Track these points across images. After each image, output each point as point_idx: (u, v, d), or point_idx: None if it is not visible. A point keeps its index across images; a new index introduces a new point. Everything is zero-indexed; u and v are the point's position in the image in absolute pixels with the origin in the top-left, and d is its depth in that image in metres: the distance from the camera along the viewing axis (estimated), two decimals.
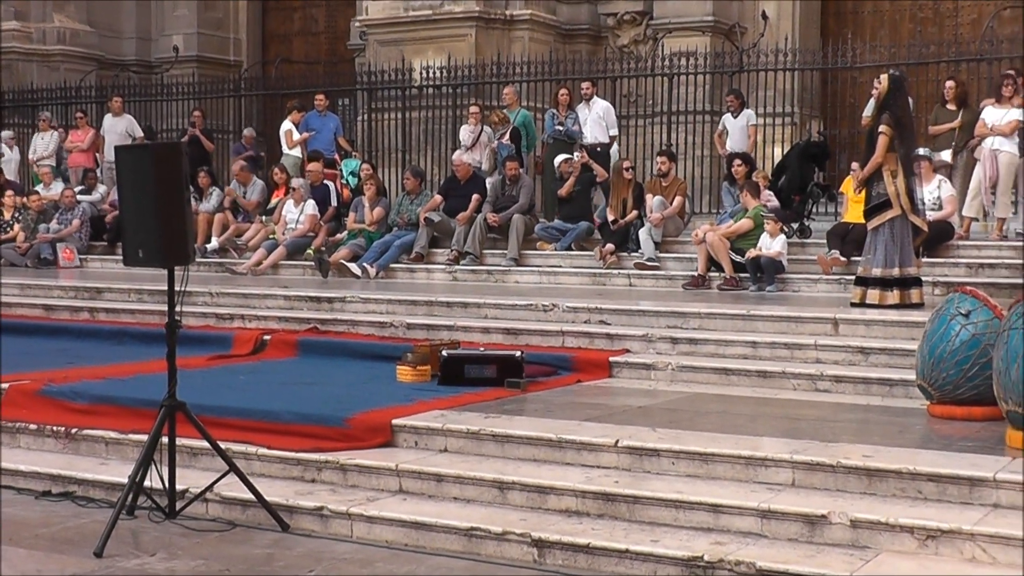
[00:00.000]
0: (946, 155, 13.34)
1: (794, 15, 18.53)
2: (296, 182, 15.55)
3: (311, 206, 15.12)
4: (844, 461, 6.22)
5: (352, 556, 6.10)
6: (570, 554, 5.92)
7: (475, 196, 14.47)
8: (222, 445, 6.84)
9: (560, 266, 13.55)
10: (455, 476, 6.72)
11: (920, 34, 17.63)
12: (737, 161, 13.77)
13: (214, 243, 15.72)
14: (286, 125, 17.36)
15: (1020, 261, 11.44)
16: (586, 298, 11.21)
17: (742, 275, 12.04)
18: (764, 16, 18.23)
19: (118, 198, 7.08)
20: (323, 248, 14.67)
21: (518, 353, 8.96)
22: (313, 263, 14.45)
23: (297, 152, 17.07)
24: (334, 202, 15.54)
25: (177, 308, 6.61)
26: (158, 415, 6.53)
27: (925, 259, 11.25)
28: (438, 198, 14.76)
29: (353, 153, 17.58)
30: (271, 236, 15.22)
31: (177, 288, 6.56)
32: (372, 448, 7.23)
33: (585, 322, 10.48)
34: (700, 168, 16.09)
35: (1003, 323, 6.80)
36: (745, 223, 12.33)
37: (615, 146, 15.62)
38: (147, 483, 6.50)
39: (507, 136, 15.23)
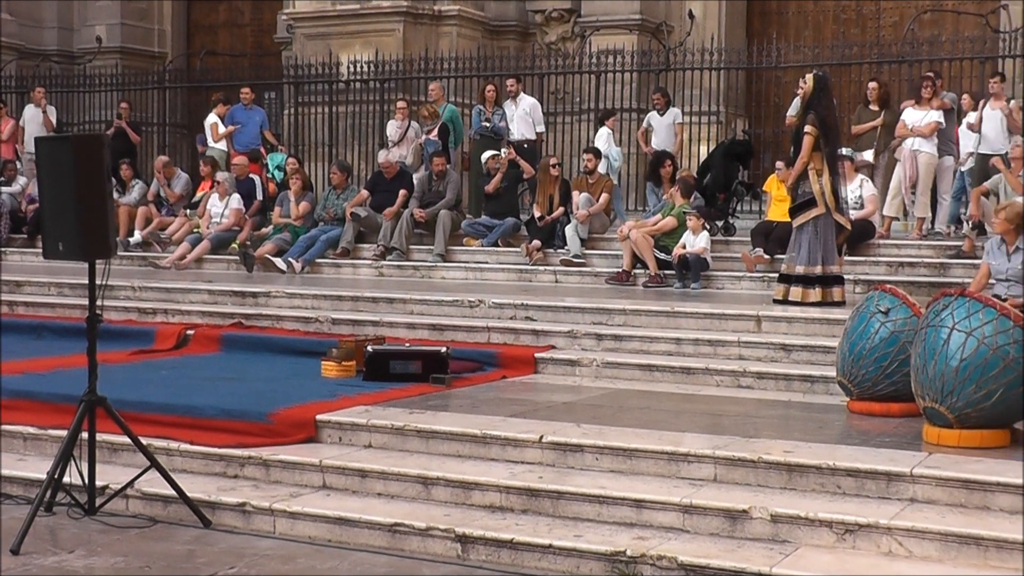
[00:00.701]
0: (868, 155, 13.54)
1: (720, 15, 18.69)
2: (221, 176, 15.39)
3: (236, 200, 14.98)
4: (765, 457, 6.30)
5: (274, 552, 6.07)
6: (494, 549, 5.93)
7: (402, 191, 14.43)
8: (143, 441, 6.76)
9: (486, 262, 13.55)
10: (379, 472, 6.72)
11: (843, 35, 17.87)
12: (668, 162, 13.90)
13: (137, 237, 15.54)
14: (211, 118, 17.13)
15: (938, 260, 11.65)
16: (512, 294, 11.23)
17: (667, 272, 12.12)
18: (691, 15, 18.38)
19: (38, 190, 6.98)
20: (248, 242, 14.53)
21: (443, 349, 8.96)
22: (238, 257, 14.33)
23: (223, 145, 16.88)
24: (259, 196, 15.43)
25: (98, 302, 6.53)
26: (78, 410, 6.45)
27: (846, 257, 11.42)
28: (364, 193, 14.70)
29: (279, 147, 17.44)
30: (195, 230, 15.05)
31: (98, 282, 6.48)
32: (296, 444, 7.21)
33: (511, 318, 10.50)
34: (627, 165, 16.16)
35: (921, 321, 6.92)
36: (669, 221, 12.41)
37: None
38: (66, 479, 6.41)
39: (435, 132, 15.19)
